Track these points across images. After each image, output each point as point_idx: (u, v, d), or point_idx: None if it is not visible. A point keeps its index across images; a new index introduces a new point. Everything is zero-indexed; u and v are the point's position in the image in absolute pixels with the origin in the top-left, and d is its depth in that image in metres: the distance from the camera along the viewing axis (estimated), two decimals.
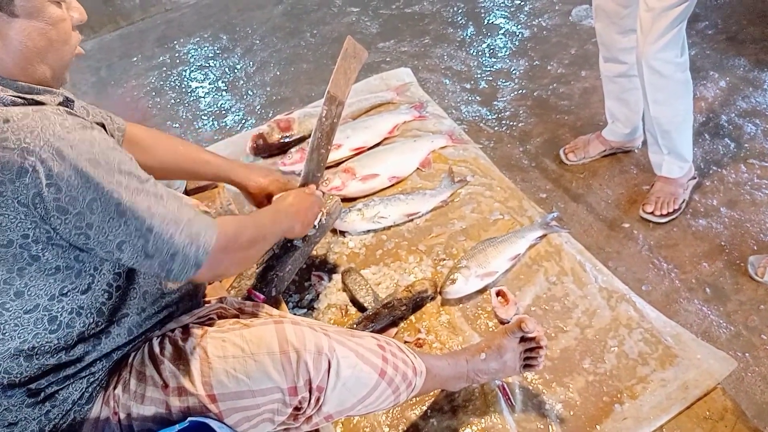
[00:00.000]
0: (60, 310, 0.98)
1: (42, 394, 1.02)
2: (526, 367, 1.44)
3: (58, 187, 0.85)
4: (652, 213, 2.24)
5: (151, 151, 1.41)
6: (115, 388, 1.08)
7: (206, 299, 1.35)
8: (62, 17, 0.97)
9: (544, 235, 1.93)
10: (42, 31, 0.95)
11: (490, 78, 3.17)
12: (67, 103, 1.02)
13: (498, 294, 1.77)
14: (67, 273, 0.96)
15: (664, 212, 2.23)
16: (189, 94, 3.53)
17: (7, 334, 0.96)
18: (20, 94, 0.94)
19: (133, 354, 1.12)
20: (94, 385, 1.08)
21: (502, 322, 1.70)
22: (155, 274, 0.99)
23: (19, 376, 1.00)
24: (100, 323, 1.05)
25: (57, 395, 1.04)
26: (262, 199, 1.58)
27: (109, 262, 1.02)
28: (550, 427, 1.49)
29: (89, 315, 1.02)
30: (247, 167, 1.59)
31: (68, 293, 0.98)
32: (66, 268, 0.95)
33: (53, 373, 1.02)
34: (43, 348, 1.00)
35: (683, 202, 2.26)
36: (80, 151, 0.87)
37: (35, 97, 0.95)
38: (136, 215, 0.91)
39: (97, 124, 1.16)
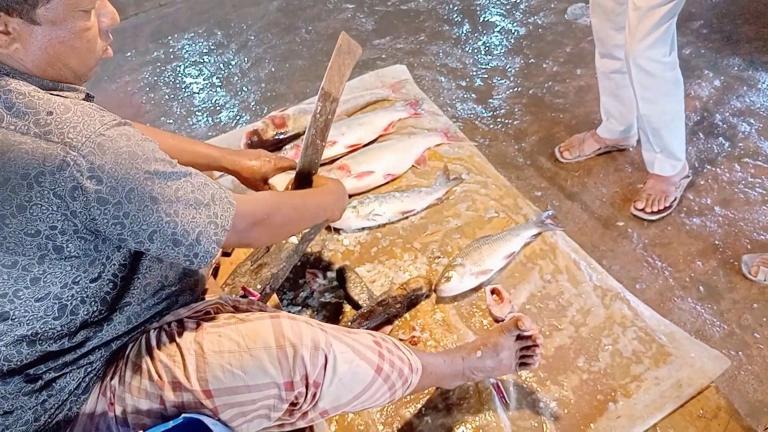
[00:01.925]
0: (69, 298, 1.00)
1: (39, 382, 1.03)
2: (522, 365, 1.44)
3: (100, 179, 0.89)
4: (642, 210, 2.25)
5: None
6: (111, 378, 1.08)
7: (205, 295, 1.34)
8: (87, 27, 0.97)
9: (539, 233, 1.93)
10: (63, 40, 0.95)
11: (486, 76, 3.17)
12: (88, 97, 1.05)
13: (493, 292, 1.77)
14: (84, 260, 0.97)
15: (655, 209, 2.24)
16: (183, 89, 3.51)
17: (16, 321, 0.98)
18: (44, 90, 0.96)
19: (130, 345, 1.12)
20: (91, 375, 1.08)
21: (496, 320, 1.70)
22: (180, 263, 1.02)
23: (19, 363, 1.01)
24: (103, 311, 1.06)
25: (54, 384, 1.04)
26: (256, 183, 1.64)
27: (120, 253, 1.04)
28: (544, 425, 1.49)
29: (93, 303, 1.04)
30: (237, 153, 1.62)
31: (80, 281, 0.99)
32: (84, 256, 0.97)
33: (52, 360, 1.03)
34: (46, 334, 1.01)
35: (675, 200, 2.27)
36: (120, 145, 0.91)
37: (59, 93, 0.97)
38: (166, 199, 0.95)
39: None
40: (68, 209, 0.89)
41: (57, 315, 1.00)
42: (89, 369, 1.07)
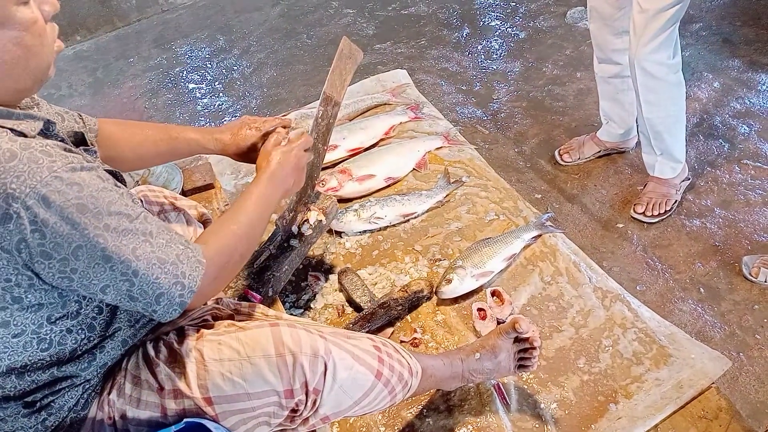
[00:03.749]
0: (49, 332, 0.97)
1: (38, 405, 1.02)
2: (520, 367, 1.45)
3: (43, 234, 0.84)
4: (642, 213, 2.26)
5: (122, 143, 1.37)
6: (109, 393, 1.08)
7: None
8: (33, 19, 0.90)
9: (539, 236, 1.94)
10: (16, 40, 0.88)
11: (486, 79, 3.18)
12: (48, 126, 0.98)
13: (493, 294, 1.78)
14: (52, 306, 0.95)
15: (655, 213, 2.25)
16: (186, 95, 3.53)
17: None
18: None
19: (126, 358, 1.12)
20: (89, 391, 1.07)
21: (499, 322, 1.71)
22: (140, 314, 0.98)
23: (13, 390, 1.00)
24: (92, 338, 1.04)
25: (53, 404, 1.03)
26: (246, 156, 1.49)
27: None
28: (545, 426, 1.50)
29: (80, 331, 1.01)
30: (217, 131, 1.46)
31: (57, 321, 0.97)
32: (49, 304, 0.94)
33: (48, 387, 1.02)
34: (35, 365, 0.99)
35: (675, 203, 2.27)
36: (67, 197, 0.85)
37: (16, 125, 0.90)
38: (122, 259, 0.90)
39: (75, 133, 1.14)
40: (18, 263, 0.86)
41: (41, 347, 0.97)
42: (87, 386, 1.07)
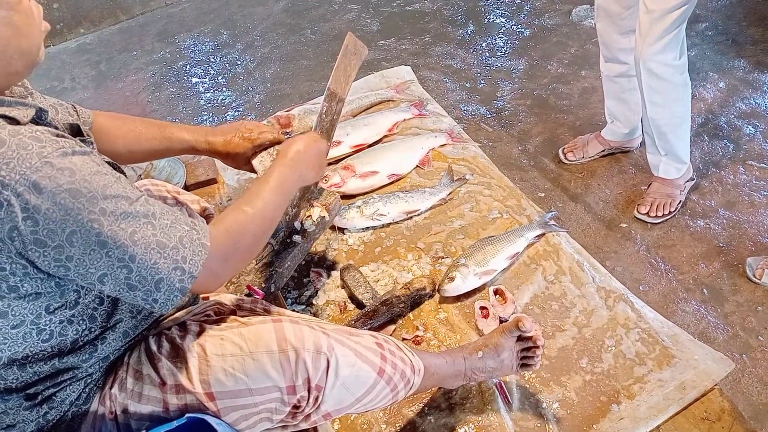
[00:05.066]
0: (48, 323, 0.96)
1: (39, 397, 1.02)
2: (523, 366, 1.44)
3: (35, 220, 0.83)
4: (646, 214, 2.25)
5: (116, 139, 1.36)
6: (111, 387, 1.08)
7: (204, 296, 1.34)
8: None
9: (543, 234, 1.94)
10: (5, 20, 0.87)
11: (490, 77, 3.17)
12: (40, 114, 0.96)
13: (496, 292, 1.78)
14: (50, 295, 0.94)
15: (659, 214, 2.24)
16: (189, 89, 3.52)
17: None
18: None
19: (128, 352, 1.12)
20: (91, 385, 1.07)
21: (501, 321, 1.70)
22: (140, 306, 0.96)
23: (15, 381, 1.00)
24: (93, 329, 1.03)
25: (54, 397, 1.03)
26: (236, 162, 1.50)
27: None
28: (546, 425, 1.49)
29: (81, 322, 1.01)
30: (211, 133, 1.45)
31: (55, 311, 0.96)
32: (47, 293, 0.93)
33: (50, 379, 1.02)
34: (36, 356, 0.98)
35: (679, 203, 2.26)
36: (59, 183, 0.83)
37: (7, 111, 0.89)
38: (118, 244, 0.87)
39: (70, 125, 1.12)
40: (11, 252, 0.85)
41: (41, 338, 0.97)
42: (89, 380, 1.07)
